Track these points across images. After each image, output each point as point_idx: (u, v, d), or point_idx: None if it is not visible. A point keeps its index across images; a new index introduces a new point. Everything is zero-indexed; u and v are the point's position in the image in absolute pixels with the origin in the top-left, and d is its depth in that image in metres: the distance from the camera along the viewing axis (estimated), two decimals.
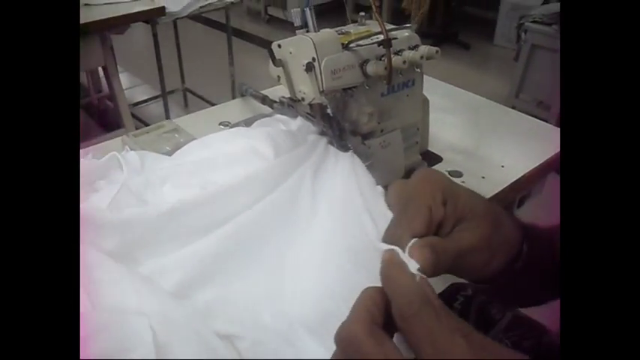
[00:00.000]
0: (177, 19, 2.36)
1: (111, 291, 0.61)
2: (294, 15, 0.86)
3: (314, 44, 0.79)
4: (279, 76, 0.90)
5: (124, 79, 2.36)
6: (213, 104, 2.74)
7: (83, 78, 2.89)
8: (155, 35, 2.33)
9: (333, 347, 0.39)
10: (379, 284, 0.40)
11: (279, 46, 0.86)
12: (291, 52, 0.84)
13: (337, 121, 0.83)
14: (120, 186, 0.78)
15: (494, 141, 1.15)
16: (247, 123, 0.97)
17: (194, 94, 3.18)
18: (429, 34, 3.99)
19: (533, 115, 1.34)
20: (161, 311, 0.59)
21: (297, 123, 0.90)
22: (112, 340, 0.55)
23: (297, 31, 0.85)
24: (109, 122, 2.72)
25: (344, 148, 0.84)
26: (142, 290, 0.61)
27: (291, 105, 0.94)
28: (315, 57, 0.79)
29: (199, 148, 0.89)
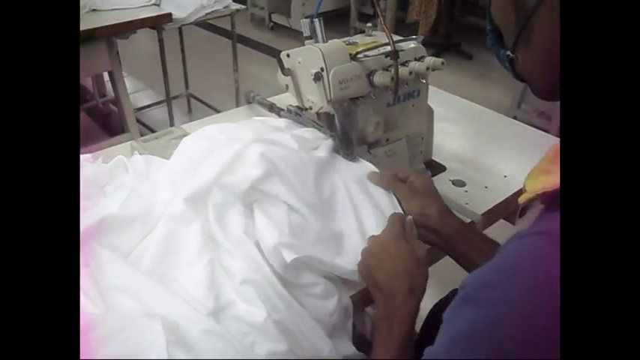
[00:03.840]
0: (182, 25, 2.38)
1: (125, 295, 0.62)
2: (303, 25, 0.88)
3: (323, 54, 0.81)
4: (287, 85, 0.92)
5: (128, 83, 2.36)
6: (216, 110, 2.77)
7: (88, 82, 2.90)
8: (161, 41, 2.35)
9: None
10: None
11: (288, 55, 0.88)
12: (299, 62, 0.86)
13: (344, 130, 0.85)
14: (128, 190, 0.79)
15: (496, 151, 1.16)
16: None
17: (198, 99, 3.19)
18: (432, 43, 4.00)
19: (534, 126, 1.35)
20: (173, 315, 0.60)
21: (280, 122, 0.93)
22: (127, 344, 0.56)
23: (305, 42, 0.87)
24: (112, 126, 2.73)
25: (350, 156, 0.85)
26: (155, 294, 0.63)
27: (298, 113, 0.95)
28: (324, 67, 0.81)
29: (192, 145, 0.88)
